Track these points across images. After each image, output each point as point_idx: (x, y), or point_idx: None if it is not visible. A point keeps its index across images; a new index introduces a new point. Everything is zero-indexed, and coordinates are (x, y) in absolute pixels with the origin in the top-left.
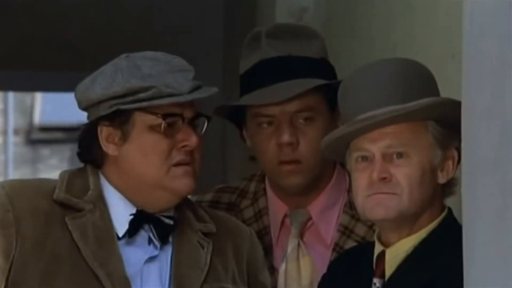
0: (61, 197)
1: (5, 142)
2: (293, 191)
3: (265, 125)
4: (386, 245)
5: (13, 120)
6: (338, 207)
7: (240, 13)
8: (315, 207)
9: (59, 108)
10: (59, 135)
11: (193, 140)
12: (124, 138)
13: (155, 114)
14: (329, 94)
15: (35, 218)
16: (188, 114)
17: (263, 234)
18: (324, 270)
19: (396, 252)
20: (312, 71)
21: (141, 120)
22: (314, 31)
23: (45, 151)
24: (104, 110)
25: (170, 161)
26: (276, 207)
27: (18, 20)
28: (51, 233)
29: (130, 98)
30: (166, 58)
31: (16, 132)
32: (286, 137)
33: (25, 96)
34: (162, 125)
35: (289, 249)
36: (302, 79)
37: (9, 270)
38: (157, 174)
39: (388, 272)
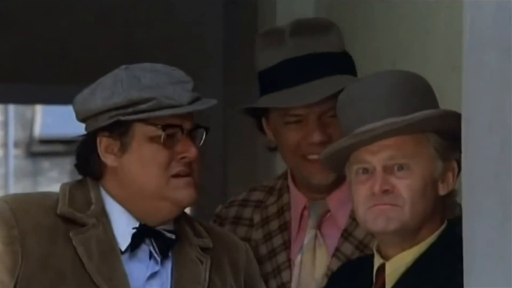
0: (64, 211)
1: (6, 155)
2: (321, 188)
3: (292, 124)
4: (386, 257)
5: (14, 133)
6: None
7: (240, 22)
8: (333, 199)
9: (59, 120)
10: (59, 147)
11: (192, 152)
12: (124, 149)
13: (155, 125)
14: None
15: (39, 233)
16: (187, 125)
17: (282, 230)
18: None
19: (396, 265)
20: (335, 67)
21: (141, 131)
22: (329, 22)
23: (45, 163)
24: (103, 121)
25: (169, 172)
26: (297, 200)
27: (19, 33)
28: (55, 249)
29: (130, 109)
30: (165, 70)
31: (16, 144)
32: (317, 137)
33: (26, 109)
34: (162, 136)
35: (305, 240)
36: (327, 77)
37: (14, 287)
38: (157, 185)
39: (388, 285)
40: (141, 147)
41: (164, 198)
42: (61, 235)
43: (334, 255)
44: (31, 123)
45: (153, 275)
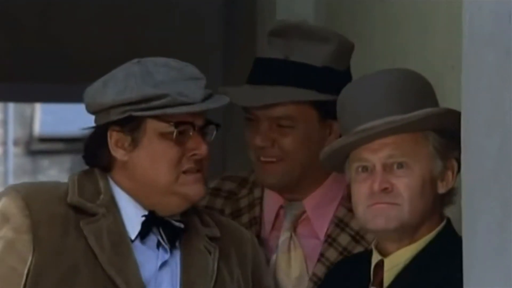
0: (75, 201)
1: (5, 153)
2: (273, 189)
3: (250, 122)
4: (384, 254)
5: (13, 131)
6: (336, 202)
7: (239, 22)
8: (310, 201)
9: (59, 119)
10: (58, 146)
11: (202, 149)
12: (134, 144)
13: (168, 121)
14: (318, 104)
15: (52, 223)
16: (198, 122)
17: (252, 224)
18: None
19: (395, 262)
20: (304, 80)
21: (153, 127)
22: (329, 35)
23: (44, 162)
24: (115, 115)
25: (179, 168)
26: (272, 198)
27: (18, 33)
28: (68, 239)
29: (143, 105)
30: (178, 65)
31: (16, 143)
32: (258, 141)
33: (25, 107)
34: (174, 133)
35: (280, 241)
36: (286, 87)
37: (27, 276)
38: (167, 181)
39: (387, 281)
40: (152, 143)
41: (173, 193)
42: (72, 225)
43: (319, 260)
44: (30, 122)
45: (163, 264)
